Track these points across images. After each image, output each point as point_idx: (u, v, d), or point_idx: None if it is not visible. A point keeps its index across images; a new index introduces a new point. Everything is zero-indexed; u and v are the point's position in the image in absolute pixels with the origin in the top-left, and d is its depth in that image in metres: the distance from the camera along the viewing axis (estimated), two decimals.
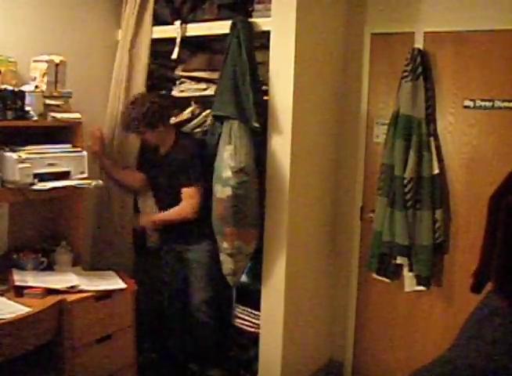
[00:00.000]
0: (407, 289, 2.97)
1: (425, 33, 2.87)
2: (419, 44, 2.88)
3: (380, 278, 3.01)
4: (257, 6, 2.80)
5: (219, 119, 2.77)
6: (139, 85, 3.04)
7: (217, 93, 2.79)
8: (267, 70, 2.75)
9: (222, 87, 2.74)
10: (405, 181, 2.79)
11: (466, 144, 2.85)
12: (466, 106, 2.82)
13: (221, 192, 2.69)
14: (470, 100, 2.81)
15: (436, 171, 2.82)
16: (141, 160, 3.11)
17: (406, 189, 2.80)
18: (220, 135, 2.75)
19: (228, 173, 2.66)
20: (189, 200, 2.86)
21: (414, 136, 2.79)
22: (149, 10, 3.04)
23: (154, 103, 2.81)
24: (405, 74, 2.81)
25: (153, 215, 3.05)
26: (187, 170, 2.85)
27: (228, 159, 2.66)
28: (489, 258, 1.32)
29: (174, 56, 2.97)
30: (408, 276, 2.94)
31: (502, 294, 1.08)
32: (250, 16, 2.79)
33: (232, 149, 2.66)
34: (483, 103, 2.77)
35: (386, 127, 2.93)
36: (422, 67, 2.80)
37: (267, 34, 2.71)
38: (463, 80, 2.83)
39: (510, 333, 1.00)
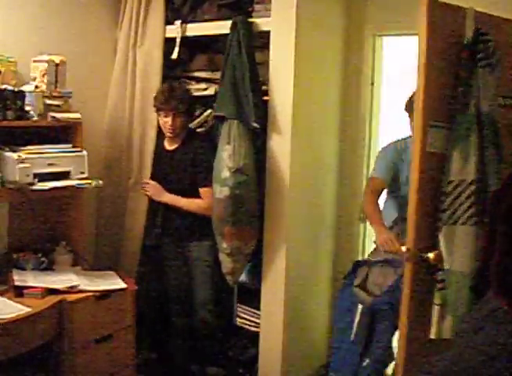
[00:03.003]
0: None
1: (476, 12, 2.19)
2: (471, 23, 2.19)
3: None
4: (257, 6, 2.80)
5: (220, 119, 2.77)
6: (154, 85, 3.01)
7: (218, 93, 2.80)
8: (267, 70, 2.75)
9: (222, 87, 2.74)
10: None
11: None
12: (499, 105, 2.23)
13: (220, 192, 2.69)
14: (504, 98, 2.26)
15: None
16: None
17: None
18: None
19: (226, 173, 2.66)
20: (208, 199, 2.83)
21: (501, 142, 2.16)
22: (158, 8, 3.02)
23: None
24: (482, 56, 2.13)
25: (165, 193, 2.96)
26: (205, 170, 2.85)
27: (226, 159, 2.66)
28: (490, 259, 1.32)
29: (174, 55, 2.97)
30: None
31: (502, 294, 1.08)
32: (250, 16, 2.79)
33: (230, 149, 2.66)
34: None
35: (442, 131, 2.17)
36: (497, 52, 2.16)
37: (267, 34, 2.72)
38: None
39: (509, 333, 1.00)
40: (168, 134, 2.92)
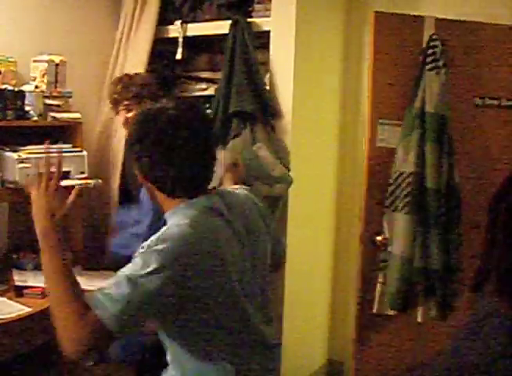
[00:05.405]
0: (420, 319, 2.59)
1: (436, 19, 2.50)
2: (430, 30, 2.48)
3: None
4: (257, 6, 2.80)
5: (232, 116, 2.67)
6: None
7: (232, 89, 2.66)
8: (267, 70, 2.75)
9: (236, 83, 2.64)
10: (440, 194, 2.39)
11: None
12: (477, 105, 2.54)
13: (269, 190, 2.52)
14: (480, 99, 2.53)
15: (458, 179, 2.44)
16: None
17: (441, 204, 2.40)
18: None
19: (279, 170, 2.56)
20: None
21: (446, 138, 2.40)
22: (151, 9, 3.01)
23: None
24: (430, 60, 2.39)
25: None
26: None
27: (270, 156, 2.55)
28: (490, 259, 1.32)
29: (179, 56, 2.95)
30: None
31: (502, 295, 1.08)
32: (251, 16, 2.79)
33: (265, 147, 2.59)
34: (493, 102, 2.53)
35: (393, 128, 2.50)
36: (445, 56, 2.42)
37: (267, 33, 2.71)
38: (475, 75, 2.53)
39: (509, 335, 1.00)
40: None
